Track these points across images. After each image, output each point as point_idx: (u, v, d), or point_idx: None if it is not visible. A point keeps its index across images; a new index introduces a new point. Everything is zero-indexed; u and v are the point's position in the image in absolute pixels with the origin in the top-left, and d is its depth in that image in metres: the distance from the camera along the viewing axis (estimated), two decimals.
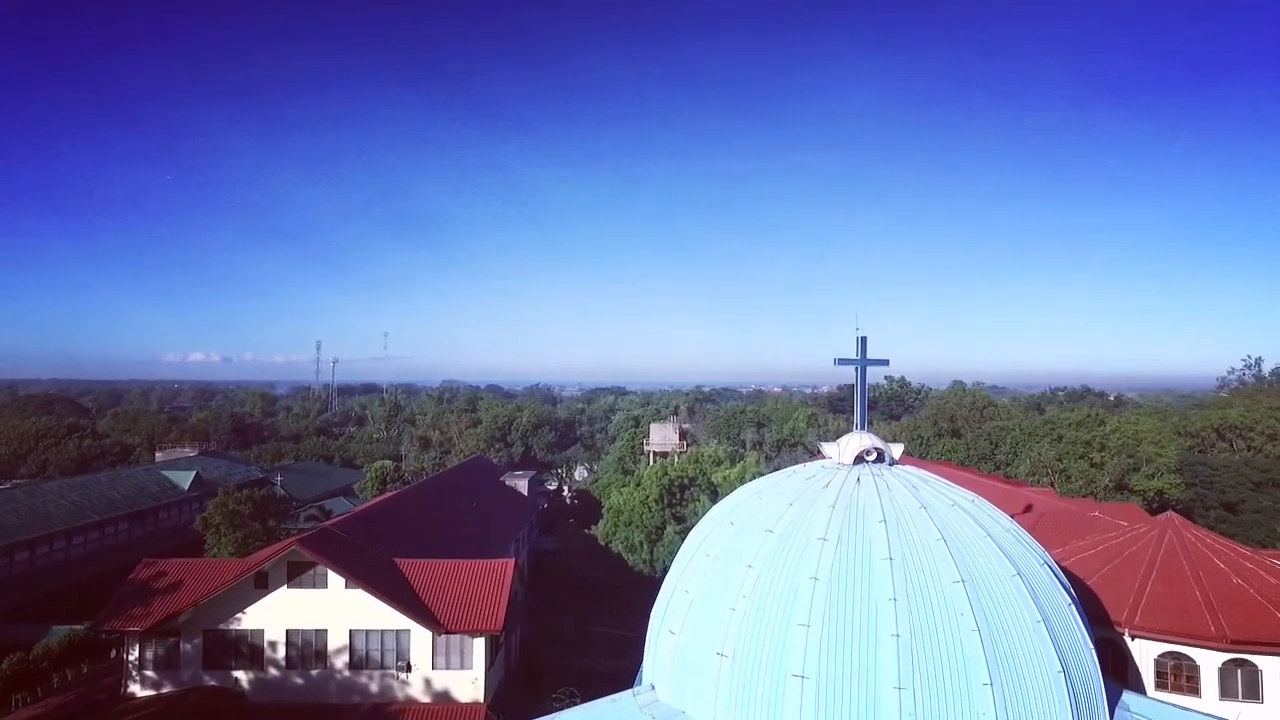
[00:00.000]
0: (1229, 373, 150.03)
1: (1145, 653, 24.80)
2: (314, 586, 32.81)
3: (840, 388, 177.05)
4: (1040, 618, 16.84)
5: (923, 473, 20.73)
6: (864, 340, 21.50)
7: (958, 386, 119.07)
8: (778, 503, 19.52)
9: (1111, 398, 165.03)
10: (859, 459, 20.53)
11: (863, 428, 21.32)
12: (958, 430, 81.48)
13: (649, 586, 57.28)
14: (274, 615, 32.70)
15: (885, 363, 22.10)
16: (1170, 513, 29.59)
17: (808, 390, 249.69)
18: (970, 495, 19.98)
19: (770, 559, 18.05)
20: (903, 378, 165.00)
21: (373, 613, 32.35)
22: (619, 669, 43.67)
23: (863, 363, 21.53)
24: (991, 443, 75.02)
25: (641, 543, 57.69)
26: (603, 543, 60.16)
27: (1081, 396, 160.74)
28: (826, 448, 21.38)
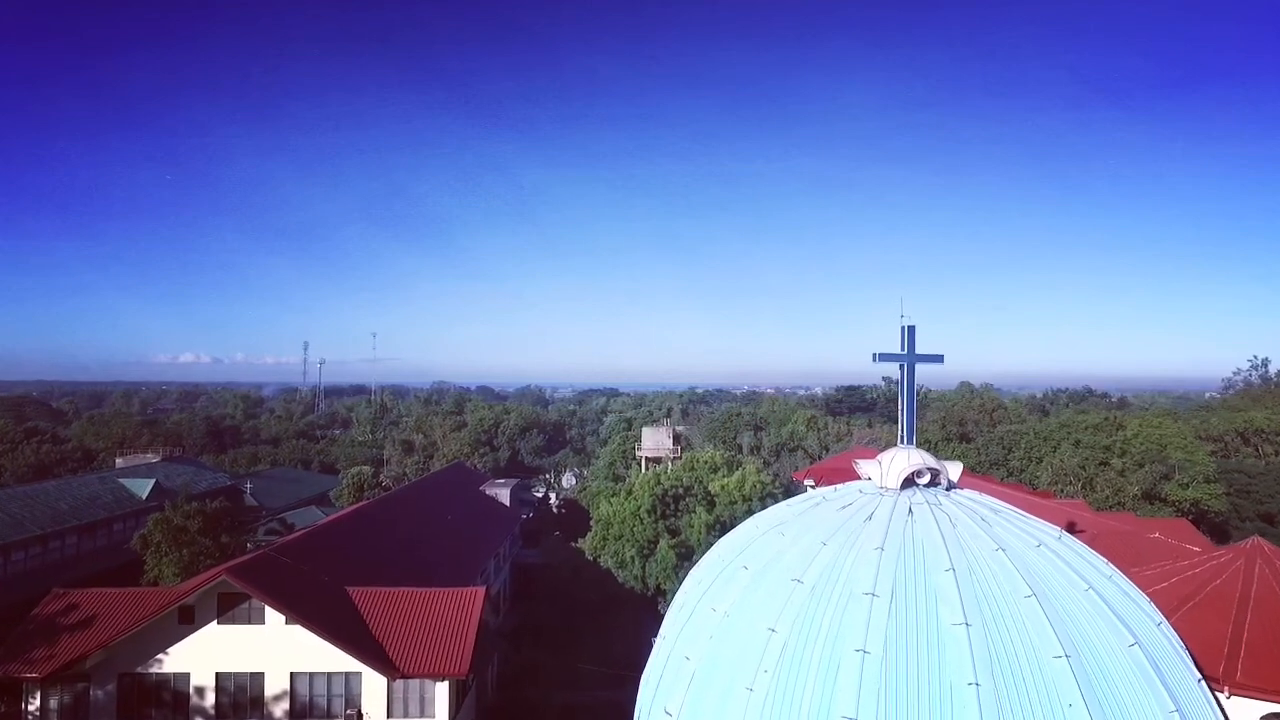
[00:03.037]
0: (1234, 374, 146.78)
1: (1246, 714, 20.38)
2: (249, 622, 28.16)
3: (838, 389, 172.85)
4: (1174, 707, 12.33)
5: (991, 500, 16.20)
6: (912, 330, 16.93)
7: (965, 388, 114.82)
8: (806, 541, 14.95)
9: (1114, 399, 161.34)
10: (908, 482, 15.97)
11: (909, 441, 16.76)
12: (967, 434, 77.21)
13: (640, 605, 52.95)
14: (202, 656, 28.03)
15: (939, 359, 17.54)
16: (1256, 537, 25.24)
17: (802, 392, 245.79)
18: (1054, 530, 15.47)
19: (800, 621, 13.47)
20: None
21: (318, 653, 27.70)
22: (607, 702, 39.19)
23: (910, 359, 16.97)
24: (1004, 447, 70.74)
25: (633, 558, 53.17)
26: (591, 557, 55.59)
27: (1084, 398, 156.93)
28: (864, 466, 16.82)
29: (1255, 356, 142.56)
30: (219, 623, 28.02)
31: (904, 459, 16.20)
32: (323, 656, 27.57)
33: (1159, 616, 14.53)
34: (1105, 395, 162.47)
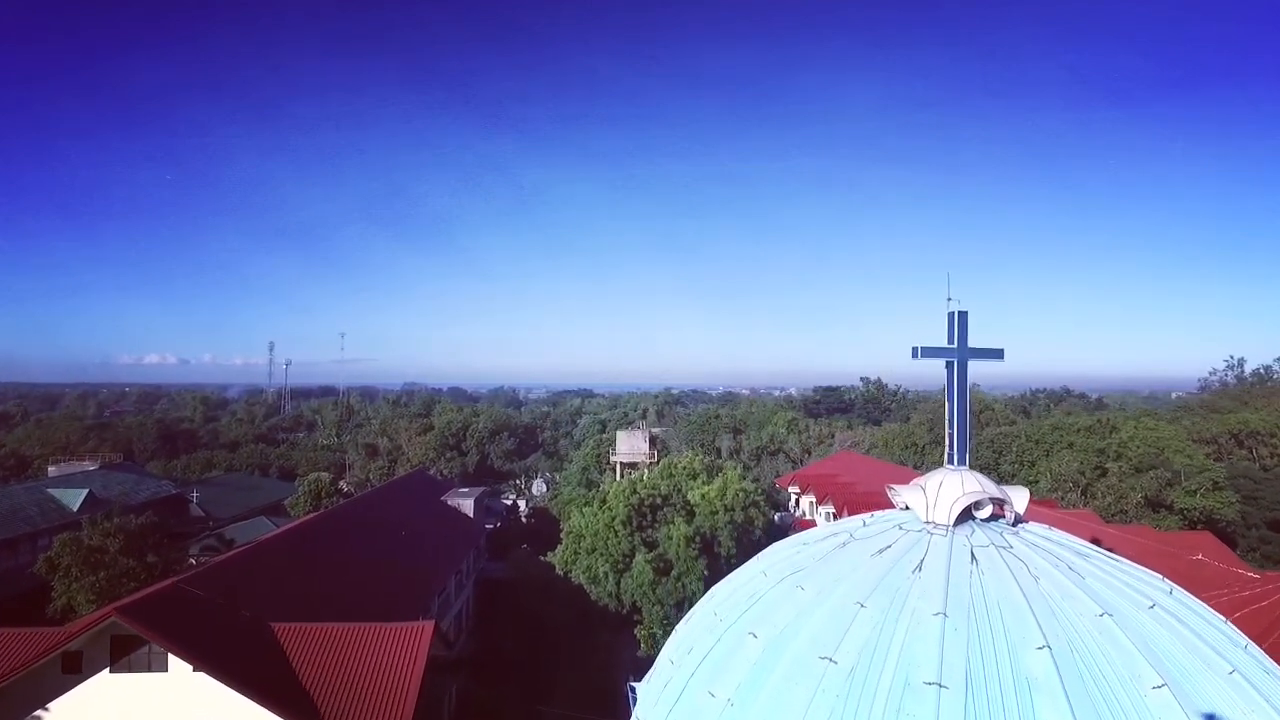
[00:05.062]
0: (1210, 374, 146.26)
1: None
2: (148, 669, 23.71)
3: (816, 389, 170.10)
4: None
5: (1071, 539, 12.45)
6: (963, 318, 13.14)
7: None
8: (837, 600, 11.07)
9: (1093, 399, 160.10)
10: (964, 515, 12.18)
11: (962, 462, 12.96)
12: None
13: (615, 625, 48.86)
14: (91, 711, 23.54)
15: (999, 354, 13.74)
16: None
17: (778, 392, 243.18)
18: (1162, 582, 11.74)
19: None
20: (879, 379, 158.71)
21: (231, 706, 23.32)
22: None
23: (962, 355, 13.18)
24: (995, 451, 67.77)
25: (607, 573, 49.05)
26: (561, 572, 51.47)
27: (1062, 398, 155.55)
28: (904, 494, 12.99)
29: (1231, 356, 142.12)
30: (111, 671, 23.57)
31: (957, 485, 12.39)
32: (237, 710, 23.24)
33: None
34: (1084, 396, 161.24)
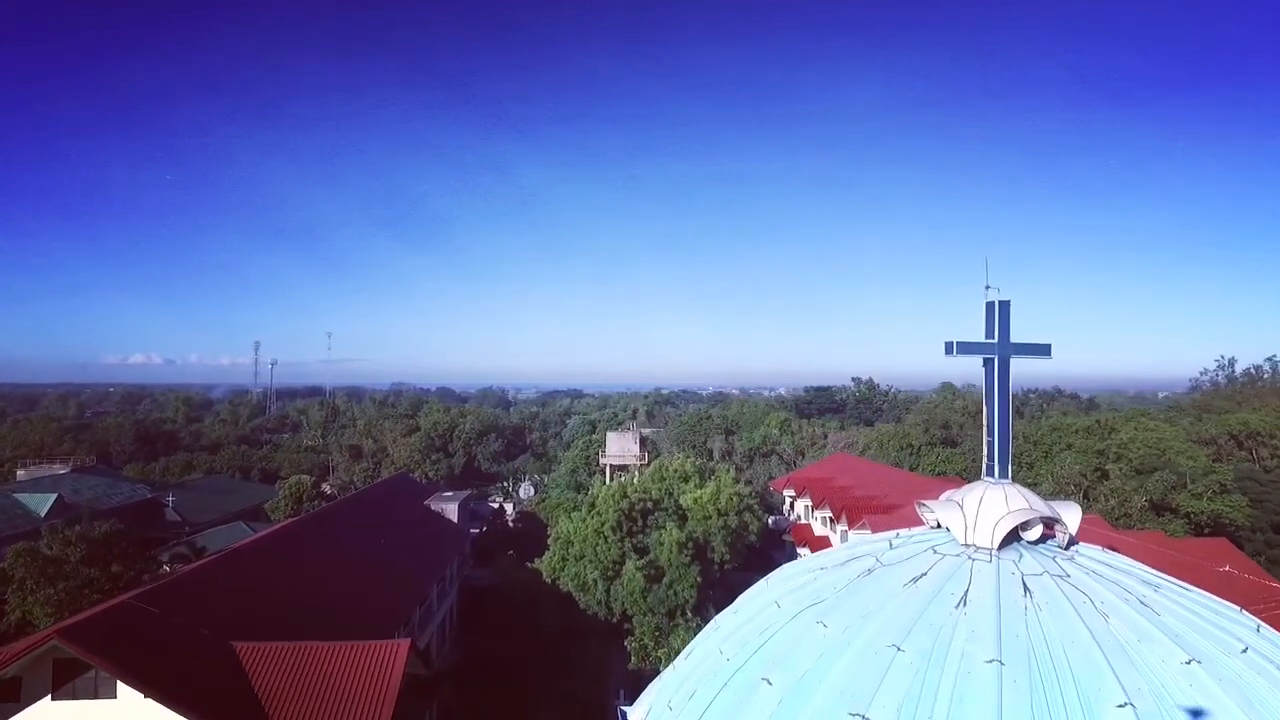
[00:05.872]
0: (1201, 374, 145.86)
1: None
2: (95, 696, 21.77)
3: (807, 389, 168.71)
4: None
5: (1135, 565, 10.76)
6: (1005, 308, 11.44)
7: (948, 389, 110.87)
8: (866, 642, 9.32)
9: (1084, 399, 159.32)
10: (1010, 537, 10.47)
11: (1003, 474, 11.26)
12: (953, 439, 72.69)
13: (604, 634, 47.05)
14: None
15: (1045, 350, 12.03)
16: None
17: (768, 393, 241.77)
18: (1246, 617, 10.05)
19: None
20: (870, 379, 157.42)
21: None
22: None
23: (1004, 351, 11.49)
24: None
25: (596, 581, 47.26)
26: (549, 579, 49.64)
27: (1054, 398, 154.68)
28: (938, 510, 11.27)
29: (1222, 356, 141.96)
30: (54, 698, 21.62)
31: (1000, 501, 10.68)
32: None
33: None
34: (1075, 396, 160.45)
